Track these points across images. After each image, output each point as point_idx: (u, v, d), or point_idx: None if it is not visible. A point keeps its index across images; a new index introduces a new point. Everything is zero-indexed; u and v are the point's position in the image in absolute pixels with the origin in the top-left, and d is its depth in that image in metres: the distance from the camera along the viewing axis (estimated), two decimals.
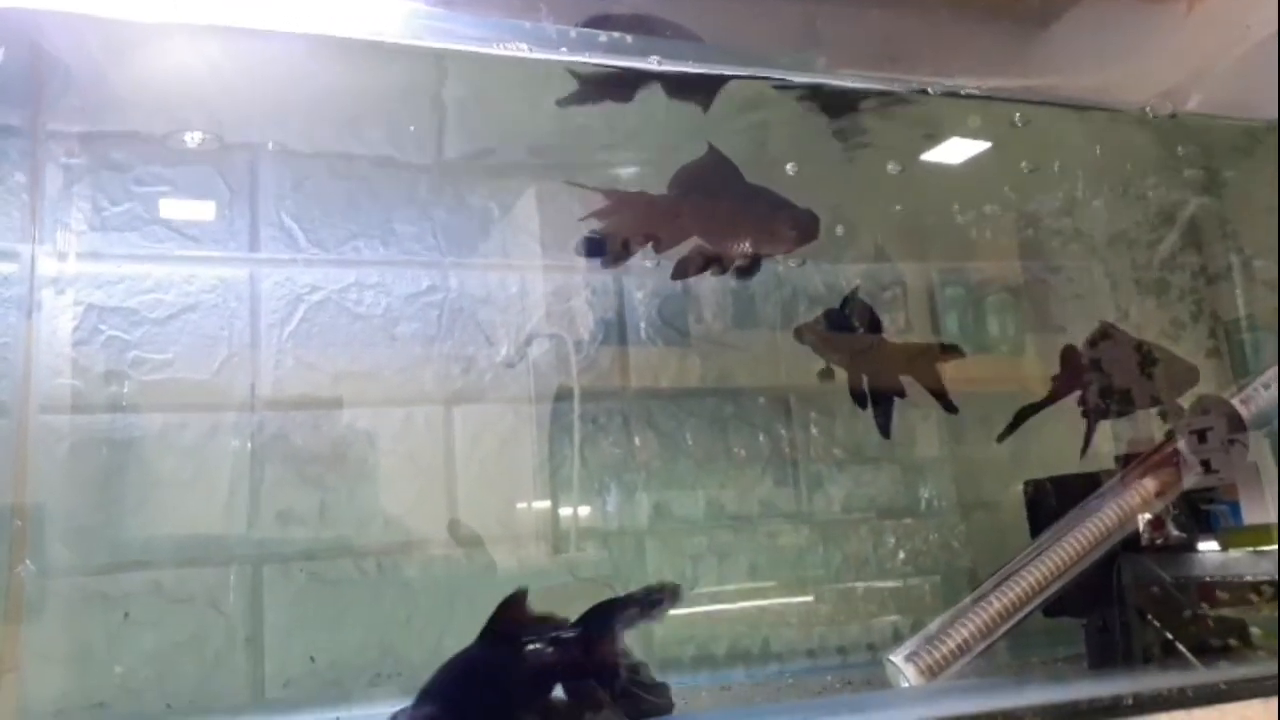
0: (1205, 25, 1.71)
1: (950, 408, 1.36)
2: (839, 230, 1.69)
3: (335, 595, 1.35)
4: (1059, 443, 1.69)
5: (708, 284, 1.63)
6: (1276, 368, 1.11)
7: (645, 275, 1.60)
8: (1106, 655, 1.06)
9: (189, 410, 1.34)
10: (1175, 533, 1.12)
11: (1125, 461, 1.13)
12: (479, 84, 1.53)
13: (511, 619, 1.05)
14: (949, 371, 1.70)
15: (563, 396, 1.53)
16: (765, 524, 1.57)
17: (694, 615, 1.50)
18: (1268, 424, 1.12)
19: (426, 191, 1.51)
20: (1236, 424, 1.06)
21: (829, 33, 1.62)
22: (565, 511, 1.51)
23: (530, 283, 1.56)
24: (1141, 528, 1.09)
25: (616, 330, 1.56)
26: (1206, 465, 1.13)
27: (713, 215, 1.40)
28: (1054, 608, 1.10)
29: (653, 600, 1.12)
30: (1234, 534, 1.25)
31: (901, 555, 1.63)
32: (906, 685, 0.87)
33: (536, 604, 1.18)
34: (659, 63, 1.22)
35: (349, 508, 1.39)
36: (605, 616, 1.06)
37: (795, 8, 1.64)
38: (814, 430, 1.64)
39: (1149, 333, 1.74)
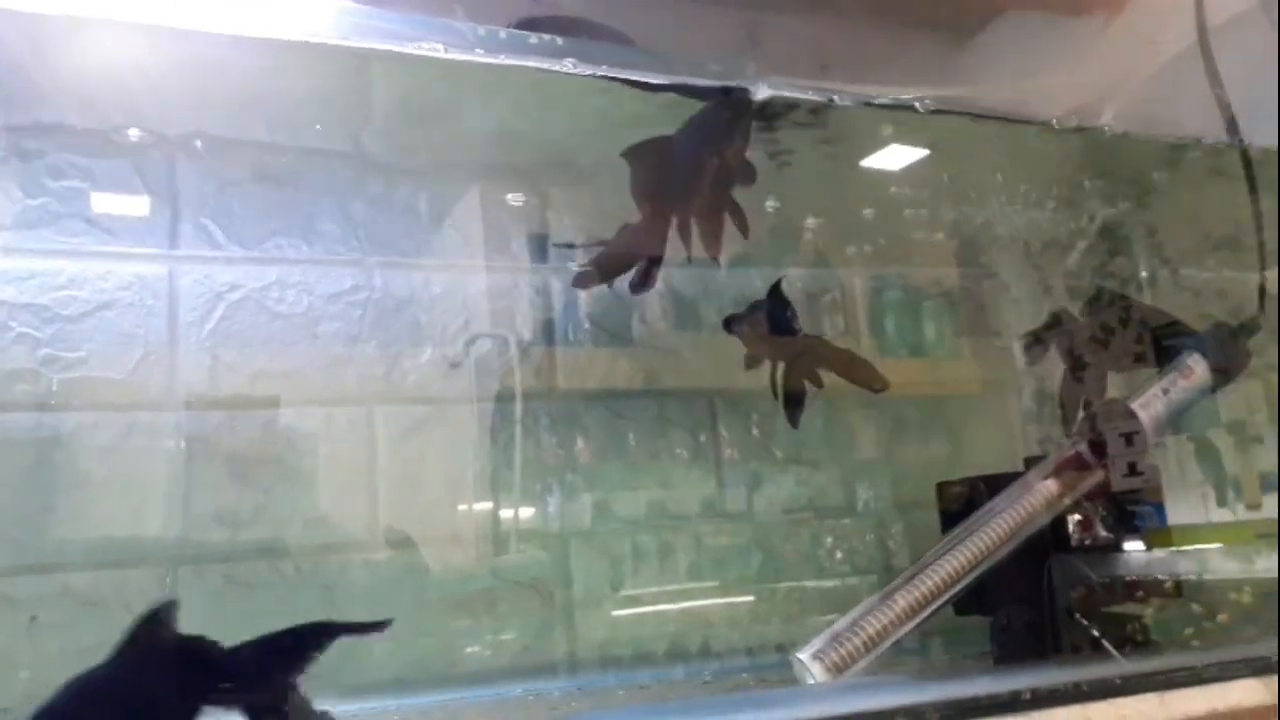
0: (1120, 41, 1.76)
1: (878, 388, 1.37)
2: (775, 234, 1.72)
3: (252, 598, 1.33)
4: (992, 444, 1.73)
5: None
6: (1174, 373, 1.15)
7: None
8: (1011, 652, 1.09)
9: (103, 409, 1.32)
10: (1103, 534, 1.16)
11: (1030, 464, 1.16)
12: (407, 83, 1.52)
13: (151, 638, 0.98)
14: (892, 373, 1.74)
15: (503, 398, 1.53)
16: (704, 524, 1.58)
17: (637, 615, 1.51)
18: (1165, 429, 1.17)
19: (352, 190, 1.50)
20: (1134, 427, 1.09)
21: (768, 39, 1.64)
22: (504, 513, 1.51)
23: (461, 283, 1.55)
24: (1071, 528, 1.13)
25: (549, 332, 1.56)
26: (1133, 468, 1.18)
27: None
28: (964, 605, 1.13)
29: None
30: (1157, 534, 1.30)
31: (839, 555, 1.66)
32: (813, 682, 0.88)
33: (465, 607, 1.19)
34: (574, 65, 1.22)
35: (269, 509, 1.37)
36: (270, 647, 1.01)
37: (735, 16, 1.66)
38: (755, 432, 1.65)
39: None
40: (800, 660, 0.89)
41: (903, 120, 1.66)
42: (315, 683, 1.30)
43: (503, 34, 1.46)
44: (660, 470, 1.61)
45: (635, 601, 1.53)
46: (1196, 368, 1.15)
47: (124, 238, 1.38)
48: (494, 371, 1.54)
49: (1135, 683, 0.96)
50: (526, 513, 1.52)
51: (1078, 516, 1.14)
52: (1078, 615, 1.14)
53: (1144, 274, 1.92)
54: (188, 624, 1.28)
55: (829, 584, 1.64)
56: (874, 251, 1.84)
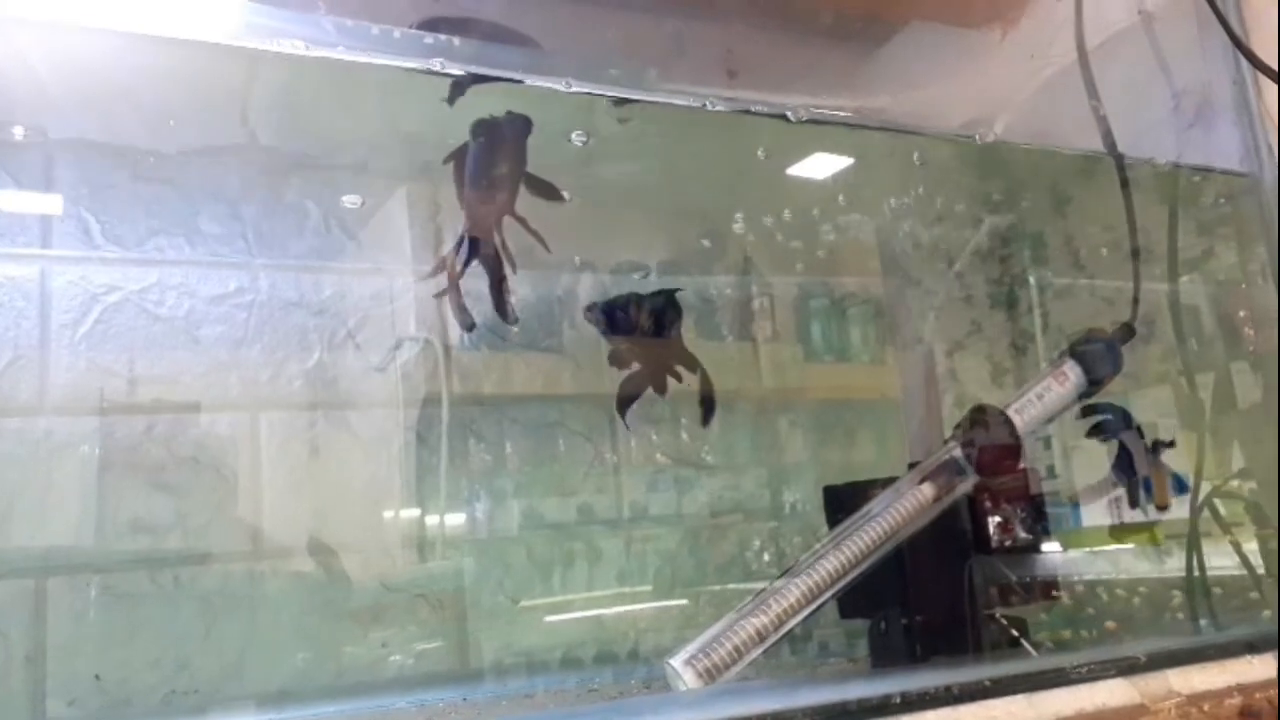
0: (1014, 53, 1.80)
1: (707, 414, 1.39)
2: (705, 242, 1.72)
3: (128, 610, 1.29)
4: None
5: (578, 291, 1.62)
6: (1049, 378, 1.17)
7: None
8: (887, 655, 1.11)
9: None
10: (1023, 535, 1.18)
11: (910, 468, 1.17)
12: (293, 82, 1.49)
13: None
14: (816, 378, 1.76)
15: (412, 404, 1.51)
16: (634, 528, 1.58)
17: (563, 622, 1.49)
18: (1038, 432, 1.19)
19: (238, 190, 1.46)
20: (1010, 432, 1.11)
21: (684, 42, 1.64)
22: (401, 521, 1.49)
23: (350, 286, 1.52)
24: (992, 529, 1.15)
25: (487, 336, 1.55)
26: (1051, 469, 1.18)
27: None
28: (848, 609, 1.14)
29: None
30: (1073, 535, 1.33)
31: (767, 557, 1.66)
32: (684, 688, 0.88)
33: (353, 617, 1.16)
34: (442, 65, 1.21)
35: (150, 518, 1.33)
36: None
37: (646, 19, 1.66)
38: (685, 436, 1.65)
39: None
40: (672, 666, 0.89)
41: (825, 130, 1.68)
42: (191, 698, 1.28)
43: (397, 34, 1.44)
44: (578, 475, 1.60)
45: (550, 609, 1.52)
46: (1070, 374, 1.18)
47: None
48: (411, 377, 1.51)
49: (1005, 684, 0.98)
50: (427, 521, 1.50)
51: (999, 518, 1.16)
52: (998, 614, 1.16)
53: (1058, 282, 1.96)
54: (60, 638, 1.24)
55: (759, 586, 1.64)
56: (803, 260, 1.85)
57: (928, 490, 1.03)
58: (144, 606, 1.30)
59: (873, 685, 0.93)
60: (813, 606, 0.94)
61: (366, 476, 1.47)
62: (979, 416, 1.10)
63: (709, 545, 1.64)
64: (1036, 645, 1.21)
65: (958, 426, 1.12)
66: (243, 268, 1.45)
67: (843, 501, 1.17)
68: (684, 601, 1.60)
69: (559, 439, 1.61)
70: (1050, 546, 1.27)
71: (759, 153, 1.70)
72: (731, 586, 1.64)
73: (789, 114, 1.42)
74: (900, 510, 1.00)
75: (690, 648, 0.90)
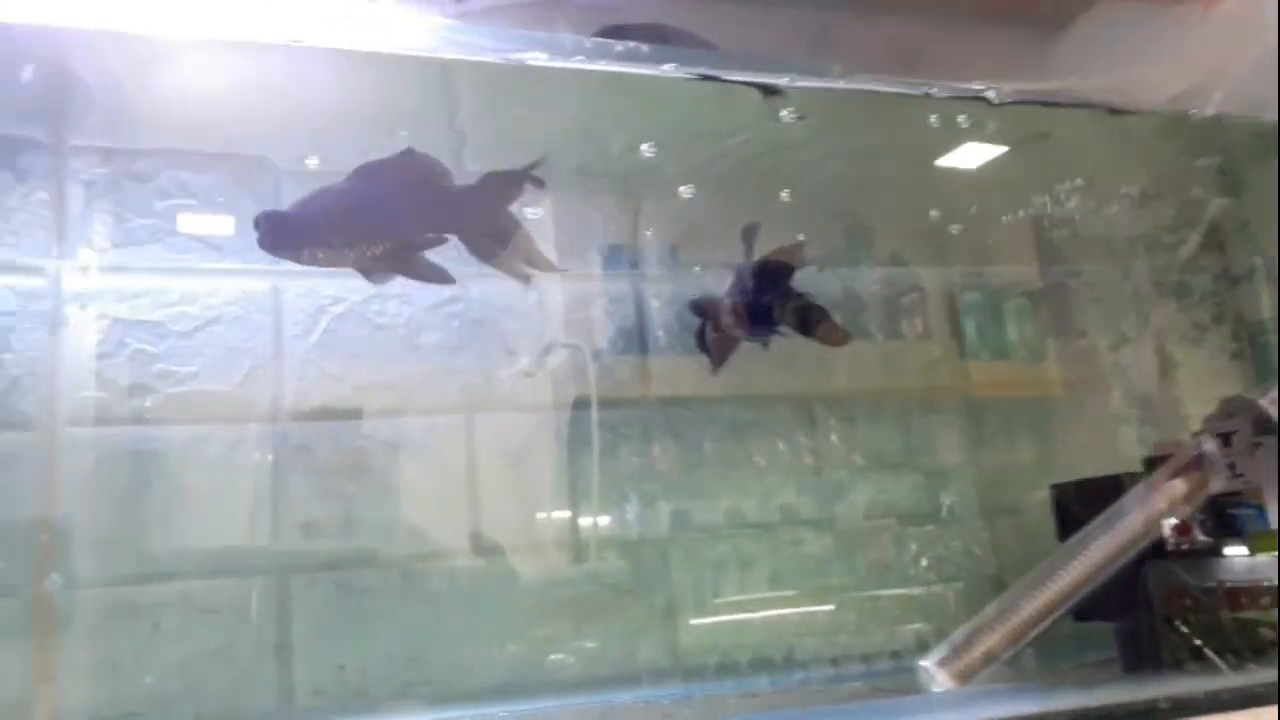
0: (1223, 26, 1.70)
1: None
2: (854, 236, 1.69)
3: (361, 605, 1.35)
4: (1082, 447, 1.69)
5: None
6: None
7: (663, 283, 1.60)
8: (1139, 659, 1.06)
9: (214, 422, 1.35)
10: (1201, 538, 1.11)
11: (1151, 465, 1.12)
12: (493, 95, 1.54)
13: None
14: (972, 376, 1.71)
15: (582, 405, 1.53)
16: (786, 531, 1.57)
17: (717, 624, 1.50)
18: None
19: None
20: (1264, 426, 1.05)
21: (843, 40, 1.63)
22: (585, 520, 1.51)
23: (547, 292, 1.56)
24: (1167, 533, 1.08)
25: (635, 339, 1.56)
26: (1233, 468, 1.13)
27: None
28: (1084, 612, 1.10)
29: None
30: (1261, 538, 1.24)
31: (924, 562, 1.63)
32: (939, 690, 0.87)
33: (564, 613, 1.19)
34: (675, 69, 1.22)
35: (373, 518, 1.40)
36: None
37: (807, 16, 1.65)
38: (834, 437, 1.63)
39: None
40: (926, 668, 0.87)
41: (979, 117, 1.64)
42: (425, 690, 1.33)
43: (588, 43, 1.47)
44: (768, 478, 1.59)
45: (719, 609, 1.52)
46: None
47: (229, 255, 1.41)
48: (582, 379, 1.54)
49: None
50: (623, 520, 1.52)
51: (1174, 520, 1.10)
52: (1177, 622, 1.10)
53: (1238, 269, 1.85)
54: (304, 630, 1.31)
55: (914, 592, 1.61)
56: (958, 252, 1.80)
57: (1178, 487, 0.99)
58: (376, 602, 1.36)
59: (1134, 689, 0.89)
60: (1066, 606, 0.91)
61: (570, 476, 1.50)
62: (1230, 409, 1.04)
63: (862, 549, 1.61)
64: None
65: (1210, 419, 1.06)
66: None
67: (1073, 499, 1.13)
68: (830, 606, 1.56)
69: (754, 439, 1.60)
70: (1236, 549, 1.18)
71: (910, 143, 1.67)
72: (912, 591, 1.61)
73: (990, 95, 1.39)
74: (1151, 508, 0.96)
75: (942, 648, 0.88)
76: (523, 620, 1.41)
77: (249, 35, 1.29)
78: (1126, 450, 1.65)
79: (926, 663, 0.88)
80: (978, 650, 0.87)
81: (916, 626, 1.54)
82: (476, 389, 1.48)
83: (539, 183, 1.38)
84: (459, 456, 1.46)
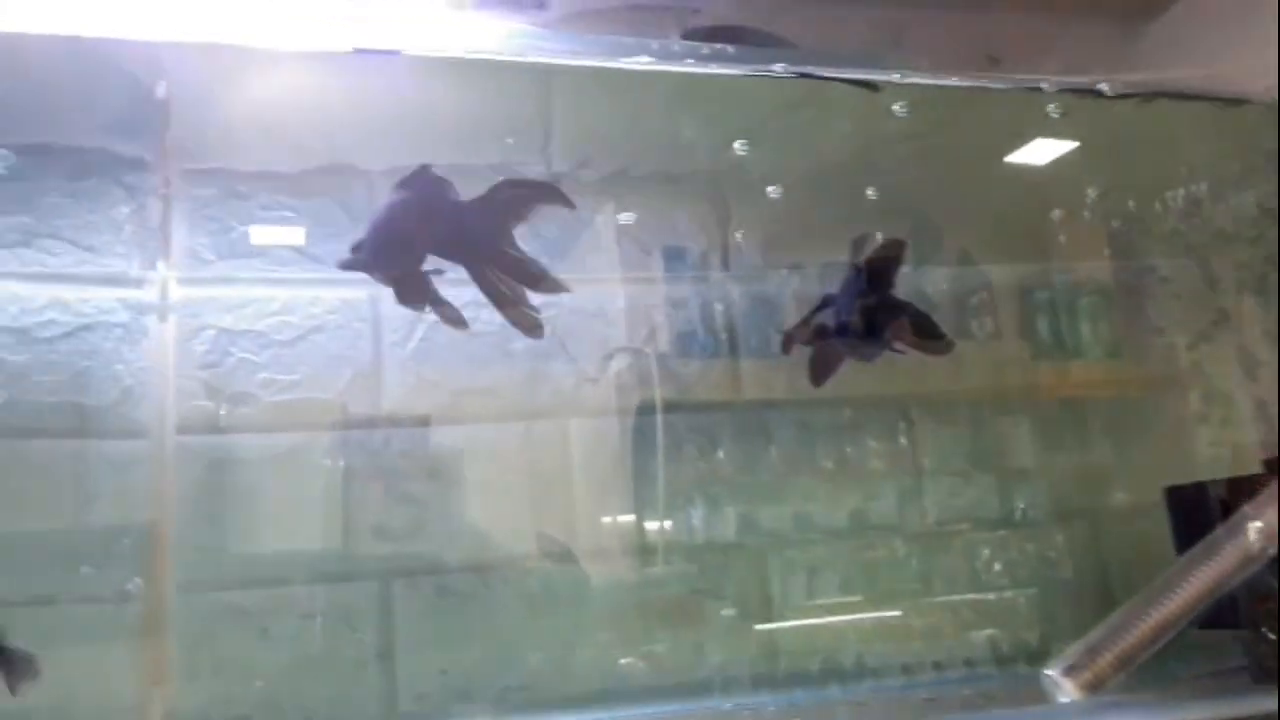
0: None
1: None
2: (919, 235, 1.66)
3: (461, 609, 1.36)
4: (1159, 449, 1.64)
5: (789, 295, 1.60)
6: None
7: (729, 287, 1.59)
8: (1271, 668, 1.02)
9: (316, 429, 1.38)
10: None
11: (1271, 467, 1.08)
12: (583, 99, 1.54)
13: None
14: (1044, 377, 1.66)
15: (668, 410, 1.53)
16: (856, 537, 1.54)
17: (782, 630, 1.48)
18: None
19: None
20: None
21: (922, 38, 1.60)
22: (677, 525, 1.51)
23: (616, 297, 1.56)
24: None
25: (726, 342, 1.56)
26: None
27: None
28: (1209, 619, 1.06)
29: None
30: None
31: (997, 567, 1.59)
32: (1066, 701, 0.84)
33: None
34: (784, 70, 1.22)
35: (472, 522, 1.41)
36: None
37: (884, 15, 1.63)
38: (903, 440, 1.60)
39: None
40: (1051, 677, 0.85)
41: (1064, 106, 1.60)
42: (522, 695, 1.34)
43: (676, 46, 1.47)
44: (837, 483, 1.57)
45: (801, 613, 1.50)
46: None
47: (328, 266, 1.43)
48: (664, 383, 1.54)
49: None
50: (720, 524, 1.51)
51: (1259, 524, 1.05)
52: (1264, 630, 1.05)
53: None
54: (406, 635, 1.33)
55: (987, 597, 1.57)
56: (1028, 249, 1.76)
57: None
58: (474, 606, 1.37)
59: (1264, 701, 0.86)
60: (1194, 613, 0.88)
61: (665, 480, 1.50)
62: None
63: (933, 554, 1.57)
64: None
65: None
66: None
67: (1189, 501, 1.10)
68: (900, 612, 1.53)
69: (822, 444, 1.58)
70: None
71: (982, 139, 1.64)
72: (984, 598, 1.57)
73: (1104, 88, 1.36)
74: None
75: (1068, 657, 0.86)
76: (621, 625, 1.41)
77: (345, 44, 1.31)
78: (1208, 452, 1.61)
79: (1051, 672, 0.86)
80: (1106, 658, 0.85)
81: (989, 633, 1.52)
82: (569, 393, 1.49)
83: (568, 203, 1.25)
84: (555, 460, 1.47)
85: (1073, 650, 0.86)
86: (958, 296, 1.71)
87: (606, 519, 1.49)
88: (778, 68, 1.23)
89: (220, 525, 1.32)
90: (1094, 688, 0.84)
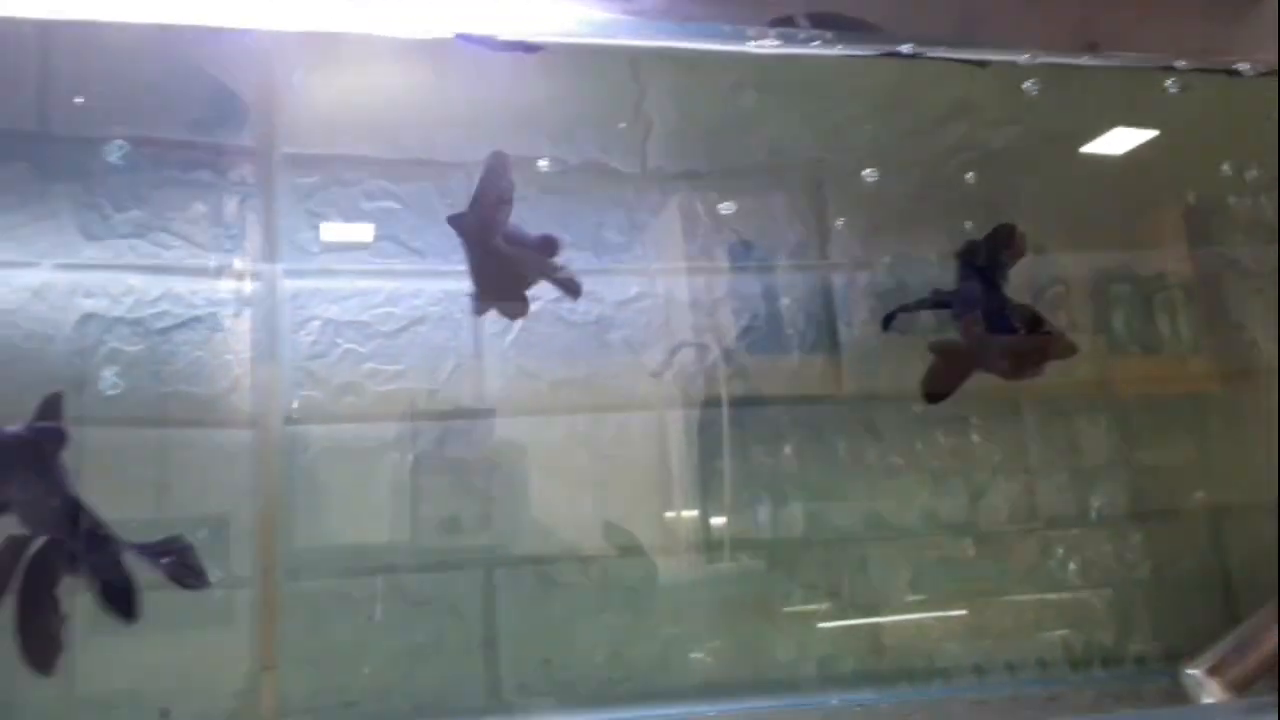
0: None
1: None
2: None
3: (563, 599, 1.37)
4: (1240, 446, 1.59)
5: (855, 289, 1.58)
6: None
7: (793, 279, 1.57)
8: None
9: (421, 419, 1.39)
10: None
11: None
12: (676, 92, 1.54)
13: None
14: (1120, 372, 1.62)
15: (764, 403, 1.52)
16: (926, 535, 1.52)
17: (851, 628, 1.46)
18: None
19: (634, 198, 1.52)
20: None
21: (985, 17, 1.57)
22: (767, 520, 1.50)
23: (714, 287, 1.55)
24: None
25: (765, 336, 1.54)
26: None
27: None
28: None
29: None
30: None
31: (1071, 567, 1.55)
32: (1210, 701, 0.82)
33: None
34: (912, 49, 1.20)
35: (571, 511, 1.41)
36: None
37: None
38: (975, 437, 1.57)
39: None
40: (1194, 676, 0.83)
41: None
42: (626, 687, 1.34)
43: (773, 33, 1.46)
44: (906, 480, 1.54)
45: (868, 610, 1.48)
46: None
47: (430, 257, 1.44)
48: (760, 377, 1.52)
49: None
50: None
51: None
52: None
53: None
54: (509, 624, 1.33)
55: (1061, 597, 1.53)
56: (1105, 240, 1.71)
57: None
58: (576, 596, 1.38)
59: None
60: None
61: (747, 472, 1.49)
62: None
63: (1006, 553, 1.53)
64: None
65: None
66: (641, 273, 1.50)
67: None
68: (972, 612, 1.50)
69: (890, 440, 1.55)
70: None
71: (1055, 129, 1.59)
72: (1057, 598, 1.53)
73: (1243, 68, 1.31)
74: None
75: (1210, 656, 0.83)
76: (720, 619, 1.40)
77: (446, 30, 1.32)
78: None
79: (1194, 670, 0.83)
80: (1252, 658, 0.82)
81: (1062, 633, 1.49)
82: (666, 384, 1.48)
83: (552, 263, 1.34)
84: (651, 452, 1.47)
85: (1217, 648, 0.84)
86: (1031, 289, 1.67)
87: (703, 514, 1.48)
88: (905, 49, 1.21)
89: (327, 513, 1.34)
90: (1240, 688, 0.81)
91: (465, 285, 1.44)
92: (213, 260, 1.36)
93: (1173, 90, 1.50)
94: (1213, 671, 0.83)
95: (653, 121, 1.54)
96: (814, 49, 1.29)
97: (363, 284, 1.40)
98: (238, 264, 1.37)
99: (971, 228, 1.53)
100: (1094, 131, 1.64)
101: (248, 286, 1.36)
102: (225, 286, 1.36)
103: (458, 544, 1.36)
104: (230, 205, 1.38)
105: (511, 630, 1.35)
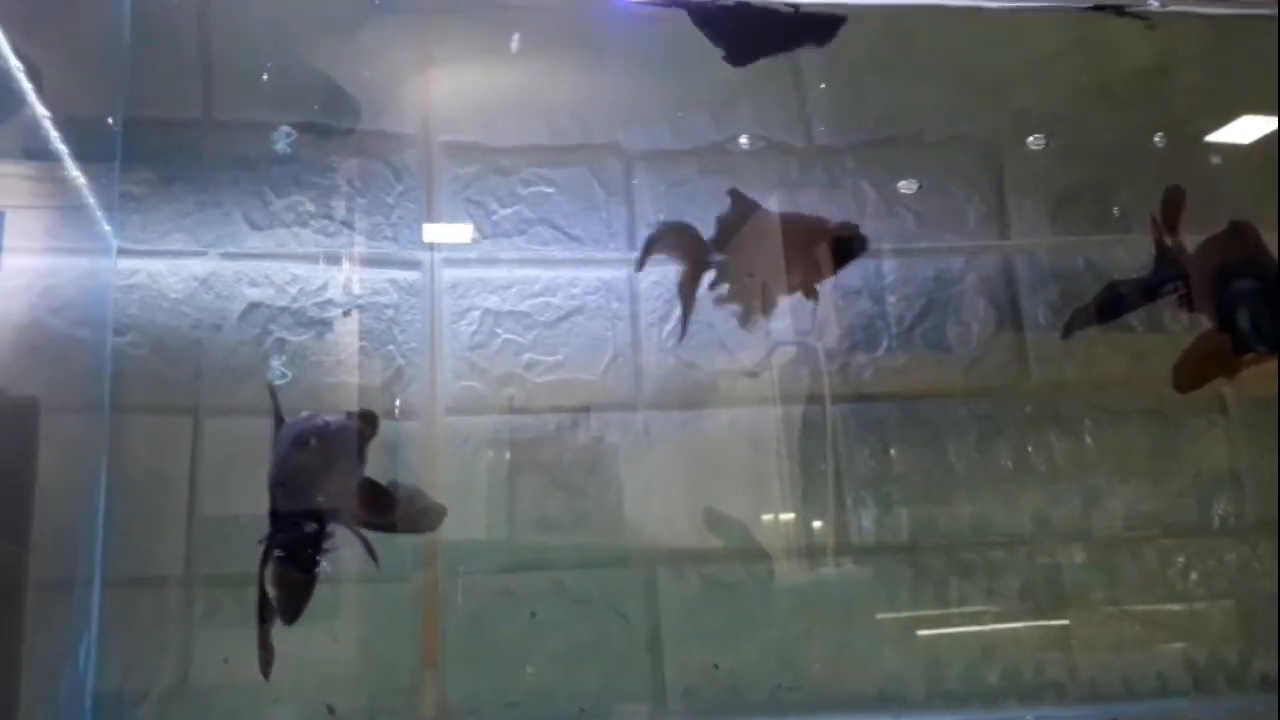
0: None
1: None
2: (1115, 211, 1.50)
3: (729, 602, 1.31)
4: None
5: (968, 292, 1.47)
6: None
7: (901, 280, 1.47)
8: None
9: (579, 411, 1.34)
10: None
11: None
12: (834, 69, 1.47)
13: None
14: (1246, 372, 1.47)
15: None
16: (1037, 542, 1.40)
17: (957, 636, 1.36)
18: None
19: (798, 178, 1.45)
20: None
21: None
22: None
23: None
24: None
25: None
26: None
27: None
28: None
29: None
30: None
31: (1193, 577, 1.41)
32: None
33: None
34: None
35: (735, 506, 1.35)
36: None
37: None
38: (1088, 439, 1.45)
39: None
40: None
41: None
42: (797, 694, 1.27)
43: None
44: (1018, 483, 1.43)
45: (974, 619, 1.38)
46: None
47: (588, 244, 1.40)
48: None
49: None
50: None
51: None
52: None
53: None
54: (672, 624, 1.28)
55: (1181, 609, 1.40)
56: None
57: None
58: (742, 599, 1.31)
59: None
60: None
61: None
62: None
63: (1122, 562, 1.40)
64: None
65: None
66: None
67: None
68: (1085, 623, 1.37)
69: (1001, 442, 1.44)
70: None
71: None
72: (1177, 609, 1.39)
73: None
74: None
75: None
76: (896, 628, 1.33)
77: None
78: None
79: None
80: None
81: (1180, 646, 1.36)
82: (829, 375, 1.41)
83: None
84: (817, 448, 1.39)
85: None
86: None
87: (877, 515, 1.40)
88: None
89: (488, 506, 1.31)
90: None
91: (622, 274, 1.40)
92: (374, 249, 1.34)
93: None
94: None
95: (812, 100, 1.47)
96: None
97: (520, 273, 1.37)
98: (398, 252, 1.35)
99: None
100: None
101: (408, 276, 1.34)
102: (386, 276, 1.34)
103: (619, 541, 1.32)
104: (392, 192, 1.36)
105: (675, 631, 1.29)
